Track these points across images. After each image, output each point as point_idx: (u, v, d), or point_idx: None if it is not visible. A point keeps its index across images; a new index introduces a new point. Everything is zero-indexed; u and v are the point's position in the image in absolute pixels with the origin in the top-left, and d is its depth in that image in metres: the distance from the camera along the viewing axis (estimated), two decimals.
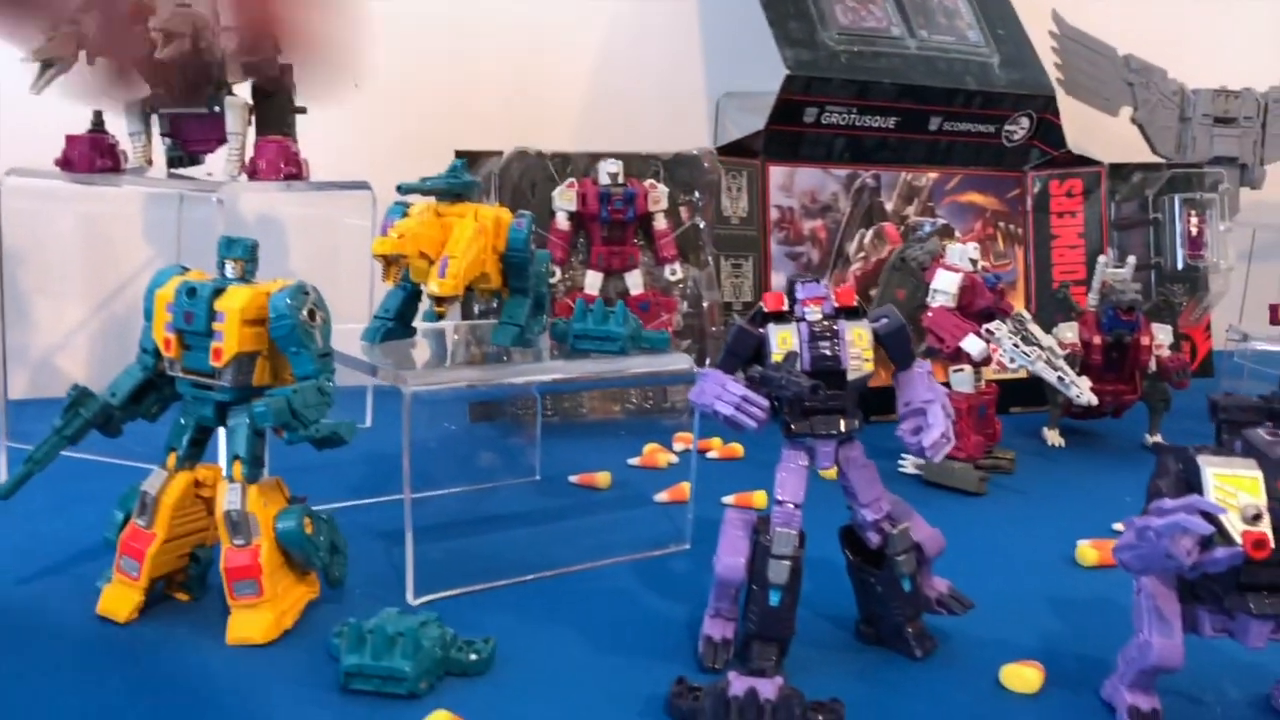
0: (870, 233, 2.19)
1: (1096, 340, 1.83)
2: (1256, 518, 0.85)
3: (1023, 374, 1.74)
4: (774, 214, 2.11)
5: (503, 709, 0.92)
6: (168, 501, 1.05)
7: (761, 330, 1.01)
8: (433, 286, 1.14)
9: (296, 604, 1.06)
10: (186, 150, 1.63)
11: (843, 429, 1.01)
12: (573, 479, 1.57)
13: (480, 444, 1.78)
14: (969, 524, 1.44)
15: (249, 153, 1.57)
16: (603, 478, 1.56)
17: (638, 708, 0.93)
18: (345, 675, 0.93)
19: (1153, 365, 1.85)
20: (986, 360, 1.60)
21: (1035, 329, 1.70)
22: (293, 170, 1.59)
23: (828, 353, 0.99)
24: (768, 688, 0.88)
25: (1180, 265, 2.25)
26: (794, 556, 0.99)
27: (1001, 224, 2.34)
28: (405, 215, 1.21)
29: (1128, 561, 0.90)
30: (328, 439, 1.01)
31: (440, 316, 1.24)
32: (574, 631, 1.08)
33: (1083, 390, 1.55)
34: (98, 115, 1.59)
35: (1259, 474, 0.87)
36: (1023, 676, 0.99)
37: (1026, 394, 2.08)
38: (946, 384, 1.61)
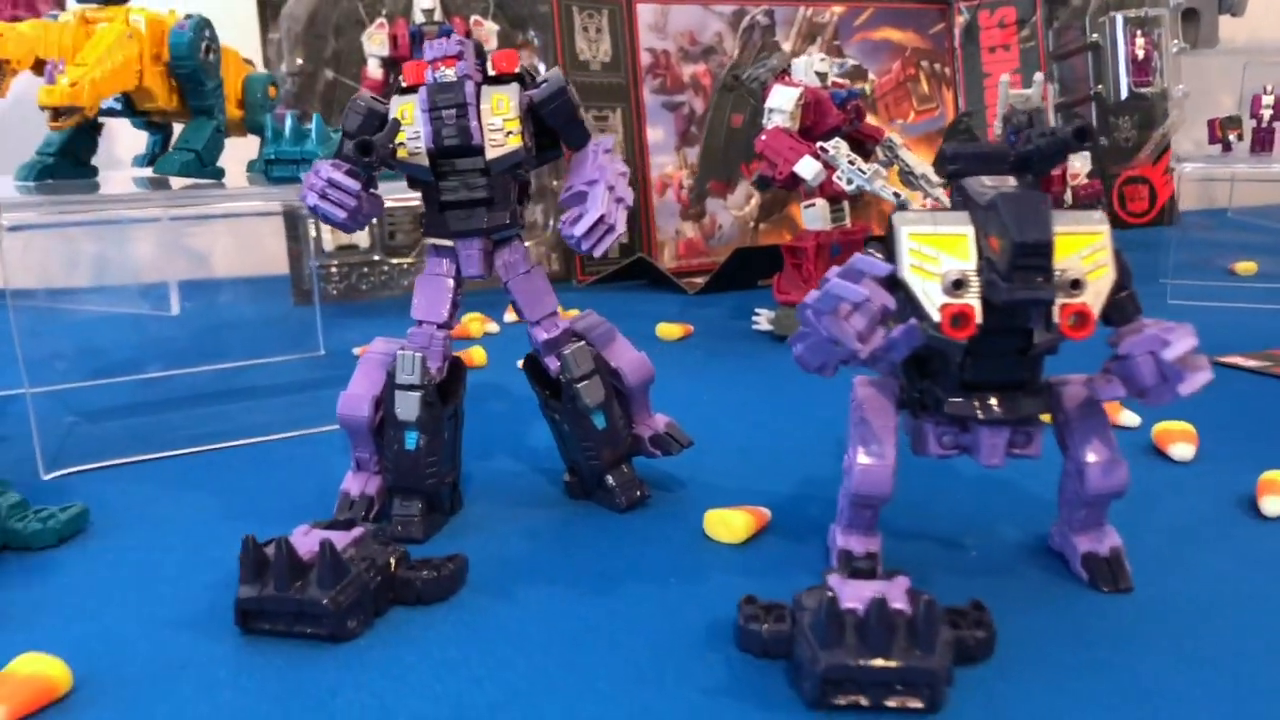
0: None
1: None
2: (958, 284, 0.63)
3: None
4: (645, 58, 1.87)
5: (47, 587, 0.73)
6: None
7: (386, 105, 0.80)
8: (39, 95, 0.94)
9: None
10: None
11: (486, 224, 0.79)
12: (355, 351, 1.37)
13: (283, 323, 1.59)
14: (806, 376, 1.22)
15: None
16: None
17: (220, 571, 0.73)
18: None
19: (1068, 198, 1.59)
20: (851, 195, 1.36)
21: (909, 155, 1.46)
22: (24, 14, 1.39)
23: (453, 124, 0.77)
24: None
25: (1125, 94, 1.96)
26: (424, 386, 0.78)
27: (925, 63, 2.07)
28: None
29: (800, 356, 0.68)
30: None
31: (88, 155, 1.04)
32: (218, 500, 0.89)
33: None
34: None
35: (968, 230, 0.64)
36: (727, 523, 0.78)
37: None
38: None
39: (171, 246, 1.68)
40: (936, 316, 0.63)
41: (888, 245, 0.67)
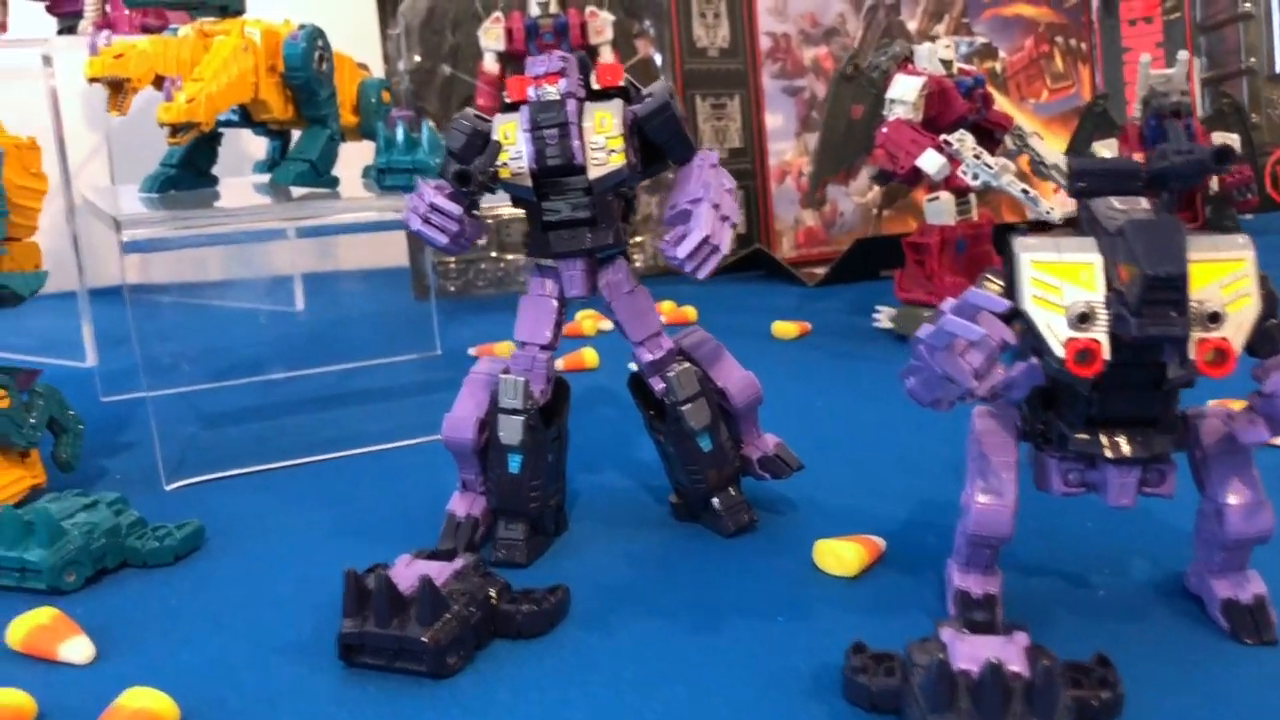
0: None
1: (1139, 158, 1.49)
2: (1084, 318, 0.59)
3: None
4: (765, 43, 1.82)
5: (160, 606, 0.75)
6: None
7: (489, 123, 0.79)
8: (158, 112, 0.96)
9: (7, 490, 0.91)
10: (59, 12, 1.50)
11: (590, 244, 0.77)
12: (471, 350, 1.37)
13: (403, 320, 1.61)
14: None
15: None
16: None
17: (325, 595, 0.74)
18: None
19: (1214, 185, 1.50)
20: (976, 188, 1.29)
21: (1040, 144, 1.39)
22: (155, 22, 1.43)
23: (555, 143, 0.75)
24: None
25: None
26: (527, 410, 0.77)
27: (1059, 39, 1.97)
28: None
29: (913, 390, 0.65)
30: None
31: (208, 165, 1.05)
32: (324, 514, 0.90)
33: (1052, 207, 1.24)
34: None
35: (1096, 259, 0.60)
36: (838, 556, 0.75)
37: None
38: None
39: (296, 241, 1.71)
40: (1060, 352, 0.59)
41: (1007, 272, 0.63)
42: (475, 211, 0.77)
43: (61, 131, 1.33)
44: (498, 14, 1.63)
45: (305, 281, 1.70)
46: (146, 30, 1.41)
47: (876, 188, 1.86)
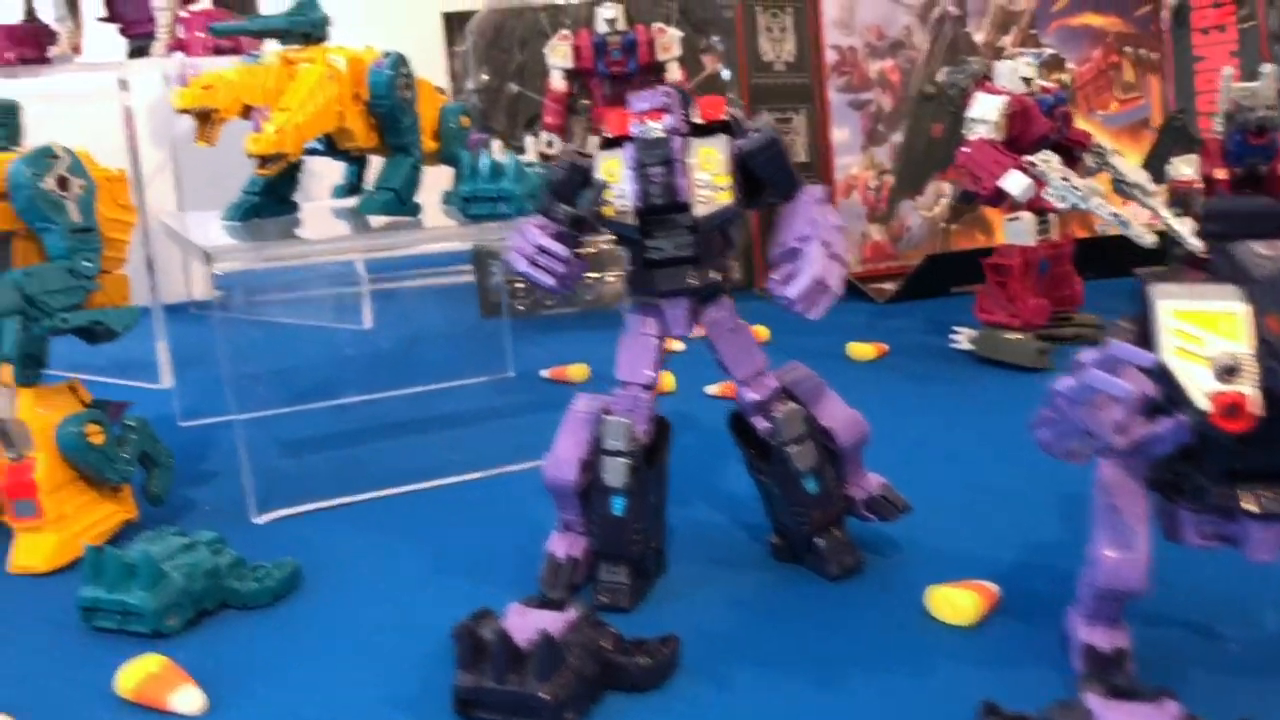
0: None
1: (1221, 174, 1.45)
2: (1230, 370, 0.56)
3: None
4: (831, 56, 1.80)
5: (264, 650, 0.74)
6: None
7: (589, 159, 0.77)
8: (247, 143, 0.95)
9: (100, 525, 0.91)
10: (130, 34, 1.51)
11: (695, 283, 0.76)
12: (544, 373, 1.36)
13: (472, 339, 1.60)
14: (1016, 407, 1.15)
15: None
16: (577, 371, 1.35)
17: (430, 642, 0.73)
18: (83, 611, 0.77)
19: None
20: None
21: (1121, 162, 1.36)
22: (227, 44, 1.43)
23: (660, 181, 0.74)
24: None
25: None
26: (632, 452, 0.75)
27: (1129, 49, 1.94)
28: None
29: (1045, 442, 0.63)
30: (87, 330, 0.85)
31: (288, 191, 1.05)
32: (417, 553, 0.88)
33: (1143, 234, 1.20)
34: (28, 2, 1.48)
35: (1241, 308, 0.58)
36: (954, 604, 0.73)
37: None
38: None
39: (364, 259, 1.71)
40: (1204, 405, 0.56)
41: (1140, 321, 0.61)
42: (578, 251, 0.76)
43: (137, 154, 1.33)
44: (565, 31, 1.64)
45: (373, 298, 1.69)
46: (219, 52, 1.42)
47: (945, 201, 1.84)
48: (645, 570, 0.79)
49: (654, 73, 1.62)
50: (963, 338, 1.39)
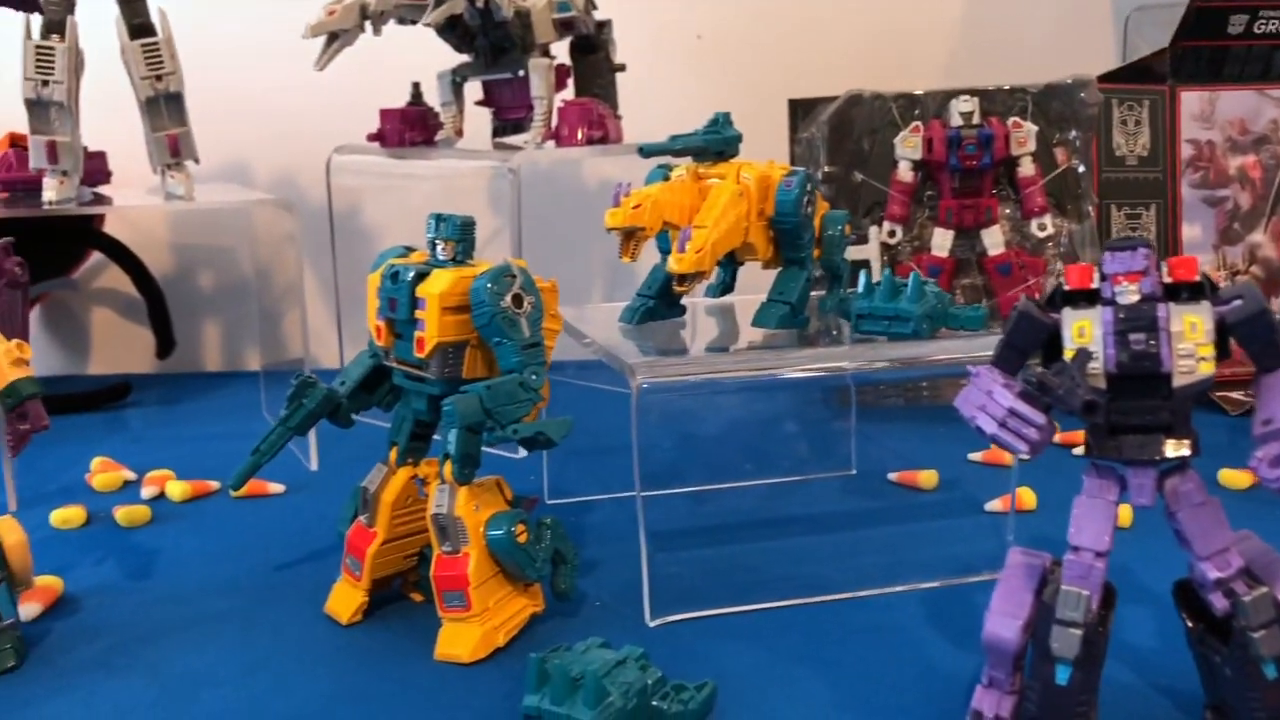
0: None
1: None
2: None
3: None
4: (1186, 150, 1.72)
5: None
6: (387, 499, 0.99)
7: (1055, 316, 0.76)
8: (670, 263, 0.99)
9: (514, 619, 0.96)
10: (502, 118, 1.59)
11: (1166, 454, 0.73)
12: (891, 476, 1.35)
13: (808, 430, 1.60)
14: None
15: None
16: (927, 477, 1.33)
17: None
18: (525, 718, 0.81)
19: None
20: None
21: None
22: (597, 133, 1.49)
23: (1141, 349, 0.72)
24: None
25: None
26: (1086, 624, 0.73)
27: None
28: (666, 180, 1.06)
29: None
30: (532, 440, 0.90)
31: (680, 295, 1.08)
32: (822, 679, 0.89)
33: None
34: (415, 87, 1.59)
35: None
36: None
37: None
38: None
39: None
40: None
41: None
42: (1050, 414, 0.75)
43: (520, 238, 1.40)
44: (917, 123, 1.63)
45: None
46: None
47: None
48: None
49: (1007, 167, 1.59)
50: None
